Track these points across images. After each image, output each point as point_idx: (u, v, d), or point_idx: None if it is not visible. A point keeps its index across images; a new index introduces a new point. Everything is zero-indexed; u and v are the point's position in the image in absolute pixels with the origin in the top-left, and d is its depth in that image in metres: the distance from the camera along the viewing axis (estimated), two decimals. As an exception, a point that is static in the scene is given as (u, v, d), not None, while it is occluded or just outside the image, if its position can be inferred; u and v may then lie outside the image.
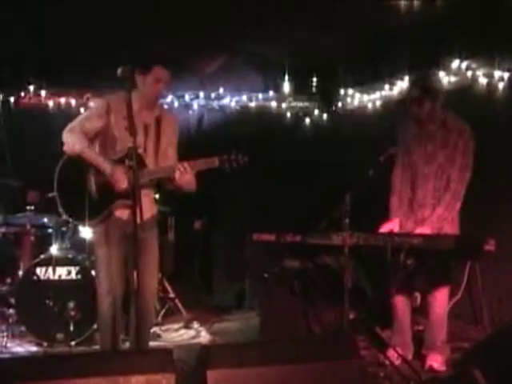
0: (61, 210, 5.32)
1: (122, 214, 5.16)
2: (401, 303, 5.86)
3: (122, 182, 5.02)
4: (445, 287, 5.72)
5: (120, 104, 5.10)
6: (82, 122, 5.23)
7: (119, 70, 4.82)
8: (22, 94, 8.86)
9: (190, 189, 5.21)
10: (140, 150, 5.05)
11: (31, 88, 8.87)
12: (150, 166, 5.15)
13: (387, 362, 5.58)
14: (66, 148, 5.20)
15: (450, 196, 5.62)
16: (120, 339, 5.77)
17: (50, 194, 5.51)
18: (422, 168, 5.79)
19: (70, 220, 5.60)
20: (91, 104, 8.50)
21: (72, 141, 5.16)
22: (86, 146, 5.14)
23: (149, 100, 5.25)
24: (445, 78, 7.32)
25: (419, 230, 5.56)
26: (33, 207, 7.05)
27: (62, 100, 8.91)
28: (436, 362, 5.64)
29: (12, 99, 8.83)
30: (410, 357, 5.84)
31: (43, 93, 8.89)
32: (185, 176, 4.99)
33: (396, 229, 5.80)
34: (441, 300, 5.73)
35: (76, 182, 5.19)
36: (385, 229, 5.80)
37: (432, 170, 5.73)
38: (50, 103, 8.92)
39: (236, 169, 4.97)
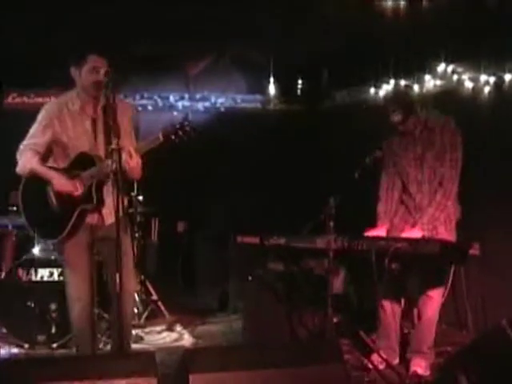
0: (31, 230, 5.27)
1: (91, 218, 5.08)
2: (389, 308, 5.81)
3: (73, 191, 4.96)
4: (438, 290, 5.65)
5: (62, 109, 5.08)
6: (29, 140, 5.14)
7: (102, 77, 4.80)
8: (6, 93, 8.82)
9: (134, 176, 5.09)
10: (87, 149, 5.00)
11: (15, 88, 8.83)
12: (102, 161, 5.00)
13: (371, 367, 5.55)
14: (18, 170, 5.15)
15: (440, 195, 5.56)
16: (101, 342, 5.72)
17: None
18: (412, 173, 5.74)
19: (44, 240, 5.62)
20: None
21: (22, 162, 5.11)
22: (34, 162, 5.06)
23: (90, 93, 5.05)
24: (430, 82, 7.35)
25: (409, 233, 5.52)
26: (15, 208, 6.99)
27: (47, 100, 8.83)
28: (420, 367, 5.58)
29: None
30: (396, 361, 5.82)
31: (27, 93, 8.84)
32: (129, 162, 4.81)
33: (383, 234, 5.78)
34: (433, 304, 5.65)
35: (39, 199, 5.11)
36: (372, 233, 5.79)
37: (424, 173, 5.68)
38: (35, 103, 8.85)
39: (184, 139, 4.77)
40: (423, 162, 5.68)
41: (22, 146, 5.14)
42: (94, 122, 5.08)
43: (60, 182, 4.98)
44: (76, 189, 4.95)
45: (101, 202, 5.03)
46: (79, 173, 4.98)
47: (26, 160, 5.07)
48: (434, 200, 5.58)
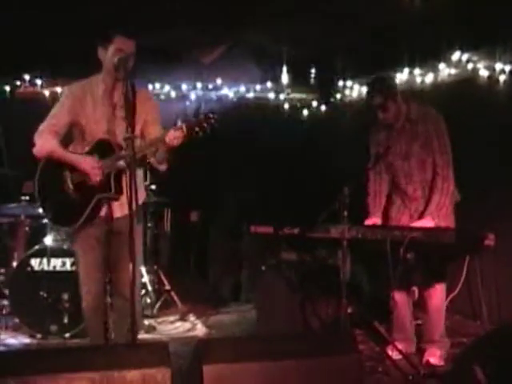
0: (46, 216, 5.17)
1: (102, 211, 4.92)
2: (400, 298, 5.80)
3: (95, 174, 4.80)
4: (441, 282, 5.67)
5: (86, 92, 4.96)
6: (49, 121, 4.99)
7: (115, 60, 4.74)
8: (18, 83, 8.81)
9: (162, 167, 4.94)
10: (107, 136, 4.88)
11: (27, 77, 8.82)
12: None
13: (385, 357, 5.53)
14: (35, 152, 4.98)
15: (440, 181, 5.57)
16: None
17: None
18: (401, 166, 5.76)
19: (57, 226, 5.67)
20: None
21: (40, 144, 4.95)
22: (53, 145, 4.92)
23: (113, 75, 4.88)
24: (445, 71, 7.29)
25: (421, 223, 5.50)
26: (28, 198, 6.98)
27: (59, 89, 8.82)
28: (434, 356, 5.58)
29: (7, 88, 8.79)
30: (412, 351, 5.83)
31: (39, 82, 8.84)
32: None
33: (378, 223, 5.82)
34: (438, 294, 5.67)
35: (56, 185, 4.95)
36: (368, 222, 5.82)
37: (412, 165, 5.70)
38: (46, 92, 8.85)
39: (208, 131, 4.57)
40: (409, 154, 5.70)
41: (41, 127, 4.99)
42: (115, 108, 4.94)
43: (85, 160, 4.83)
44: (100, 168, 4.81)
45: (119, 192, 4.86)
46: (98, 160, 4.84)
47: (45, 141, 4.93)
48: (436, 187, 5.59)
